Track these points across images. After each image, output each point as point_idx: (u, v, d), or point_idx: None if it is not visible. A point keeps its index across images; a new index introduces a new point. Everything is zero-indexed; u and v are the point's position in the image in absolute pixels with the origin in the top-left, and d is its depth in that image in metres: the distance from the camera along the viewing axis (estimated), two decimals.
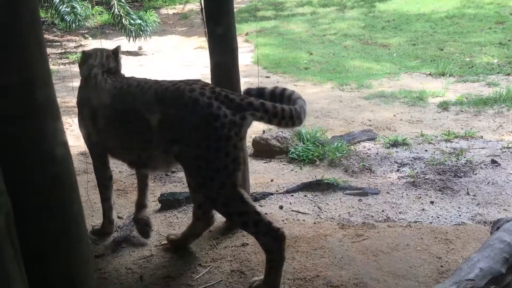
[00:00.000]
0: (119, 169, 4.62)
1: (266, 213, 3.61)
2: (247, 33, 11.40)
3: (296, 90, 7.41)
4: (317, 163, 4.60)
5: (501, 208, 3.68)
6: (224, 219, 3.51)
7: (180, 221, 3.59)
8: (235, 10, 12.38)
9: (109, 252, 3.24)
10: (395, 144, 4.97)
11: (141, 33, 9.55)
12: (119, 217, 3.72)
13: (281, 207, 3.79)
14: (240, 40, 10.82)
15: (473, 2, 12.23)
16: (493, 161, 4.38)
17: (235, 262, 3.02)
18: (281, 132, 4.91)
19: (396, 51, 9.47)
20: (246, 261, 3.02)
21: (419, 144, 5.00)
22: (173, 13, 14.08)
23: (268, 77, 8.17)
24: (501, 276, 2.54)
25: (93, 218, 3.74)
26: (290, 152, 4.76)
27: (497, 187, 3.99)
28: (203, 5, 3.09)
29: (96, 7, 10.54)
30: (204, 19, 3.08)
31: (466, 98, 6.46)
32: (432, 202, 3.82)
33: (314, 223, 3.50)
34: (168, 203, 3.75)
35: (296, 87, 7.51)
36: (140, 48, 10.22)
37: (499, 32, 10.06)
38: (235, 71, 3.27)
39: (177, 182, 4.32)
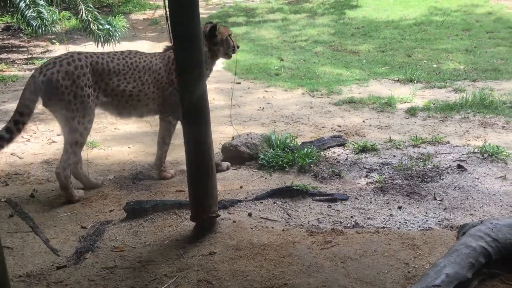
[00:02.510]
0: None
1: (234, 221, 3.57)
2: None
3: (267, 96, 7.46)
4: (286, 169, 4.57)
5: (468, 212, 3.72)
6: (191, 227, 3.45)
7: (147, 230, 3.51)
8: (206, 15, 12.34)
9: (72, 263, 3.14)
10: (364, 149, 4.99)
11: (109, 38, 9.40)
12: (82, 227, 3.62)
13: (250, 215, 3.74)
14: None
15: (440, 9, 12.50)
16: (460, 166, 4.44)
17: (202, 271, 2.96)
18: (251, 138, 4.88)
19: (366, 58, 9.57)
20: (214, 270, 2.96)
21: (388, 149, 5.04)
22: (143, 19, 13.94)
23: (239, 83, 8.15)
24: (467, 281, 2.56)
25: (55, 229, 3.62)
26: (260, 158, 4.72)
27: (464, 191, 4.03)
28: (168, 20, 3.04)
29: (64, 12, 10.35)
30: (169, 28, 3.02)
31: (433, 104, 6.55)
32: (400, 208, 3.84)
33: (283, 230, 3.47)
34: (134, 212, 3.66)
35: (267, 93, 7.51)
36: None
37: (466, 39, 10.29)
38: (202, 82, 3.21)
39: (144, 190, 4.24)
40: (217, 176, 3.58)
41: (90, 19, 9.37)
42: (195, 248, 3.22)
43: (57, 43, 10.87)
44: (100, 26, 9.36)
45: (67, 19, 11.03)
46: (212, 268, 2.98)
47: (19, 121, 3.78)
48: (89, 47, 10.32)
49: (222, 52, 4.62)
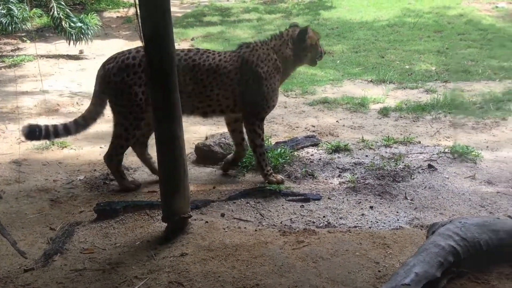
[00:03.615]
0: (53, 177, 4.43)
1: (206, 222, 3.54)
2: (193, 38, 11.30)
3: None
4: None
5: (437, 212, 3.78)
6: (163, 228, 3.41)
7: (117, 231, 3.46)
8: (181, 14, 12.18)
9: (39, 266, 3.08)
10: (337, 149, 5.01)
11: (81, 36, 9.25)
12: (51, 229, 3.55)
13: (222, 215, 3.72)
14: (186, 45, 10.75)
15: (413, 11, 12.66)
16: (430, 166, 4.50)
17: (173, 273, 2.93)
18: (224, 138, 4.86)
19: (340, 58, 9.62)
20: (185, 271, 2.94)
21: (360, 149, 5.08)
22: (117, 17, 13.76)
23: None
24: (436, 280, 2.59)
25: (23, 230, 3.54)
26: None
27: (434, 191, 4.09)
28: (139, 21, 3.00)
29: (35, 9, 10.12)
30: (140, 28, 2.98)
31: (405, 104, 6.63)
32: (371, 207, 3.87)
33: (256, 230, 3.46)
34: (105, 213, 3.60)
35: None
36: (81, 51, 9.90)
37: (437, 40, 10.44)
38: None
39: (116, 190, 4.18)
40: (189, 176, 3.56)
41: (62, 16, 9.20)
42: (166, 249, 3.19)
43: (28, 41, 10.64)
44: (72, 24, 9.21)
45: (38, 16, 10.77)
46: (183, 269, 2.96)
47: (92, 111, 4.15)
48: (60, 45, 10.16)
49: (308, 58, 4.33)
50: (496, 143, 5.30)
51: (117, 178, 4.19)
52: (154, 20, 2.94)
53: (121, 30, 12.47)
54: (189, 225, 3.41)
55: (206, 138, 5.03)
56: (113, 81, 3.99)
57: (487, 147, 5.14)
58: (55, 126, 4.08)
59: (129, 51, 4.08)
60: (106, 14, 13.84)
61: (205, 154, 4.78)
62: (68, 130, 4.11)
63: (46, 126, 4.06)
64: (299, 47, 4.22)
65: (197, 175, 4.50)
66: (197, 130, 5.74)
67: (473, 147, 4.81)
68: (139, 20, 2.93)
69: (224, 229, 3.46)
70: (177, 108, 3.18)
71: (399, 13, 12.60)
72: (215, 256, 3.11)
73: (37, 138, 4.08)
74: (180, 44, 10.82)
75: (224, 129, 5.70)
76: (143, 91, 3.98)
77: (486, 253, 2.78)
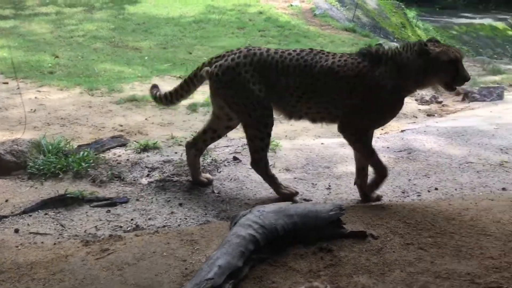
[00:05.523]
0: None
1: None
2: None
3: (40, 96, 6.85)
4: (60, 176, 4.23)
5: (242, 202, 3.92)
6: None
7: None
8: None
9: None
10: (146, 148, 4.90)
11: None
12: None
13: (16, 231, 3.36)
14: None
15: (217, 8, 13.11)
16: (235, 158, 4.67)
17: None
18: (17, 145, 4.39)
19: (148, 54, 9.50)
20: None
21: (170, 146, 5.05)
22: None
23: (6, 83, 7.31)
24: (238, 269, 2.67)
25: None
26: (29, 166, 4.28)
27: (239, 182, 4.25)
28: None
29: None
30: None
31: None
32: (180, 204, 3.86)
33: (54, 244, 3.18)
34: None
35: (40, 93, 6.90)
36: None
37: (241, 36, 10.98)
38: None
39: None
40: None
41: None
42: None
43: None
44: None
45: None
46: None
47: (177, 92, 4.20)
48: None
49: (438, 80, 3.59)
50: (294, 132, 5.75)
51: (270, 183, 3.97)
52: None
53: None
54: None
55: None
56: (223, 80, 3.80)
57: (286, 136, 5.53)
58: None
59: (239, 49, 3.88)
60: None
61: None
62: None
63: None
64: (419, 64, 3.53)
65: None
66: None
67: (274, 137, 5.11)
68: None
69: (17, 246, 3.12)
70: None
71: (204, 10, 12.94)
72: (6, 278, 2.77)
73: None
74: None
75: (17, 134, 5.17)
76: (260, 89, 3.75)
77: (283, 237, 2.96)
